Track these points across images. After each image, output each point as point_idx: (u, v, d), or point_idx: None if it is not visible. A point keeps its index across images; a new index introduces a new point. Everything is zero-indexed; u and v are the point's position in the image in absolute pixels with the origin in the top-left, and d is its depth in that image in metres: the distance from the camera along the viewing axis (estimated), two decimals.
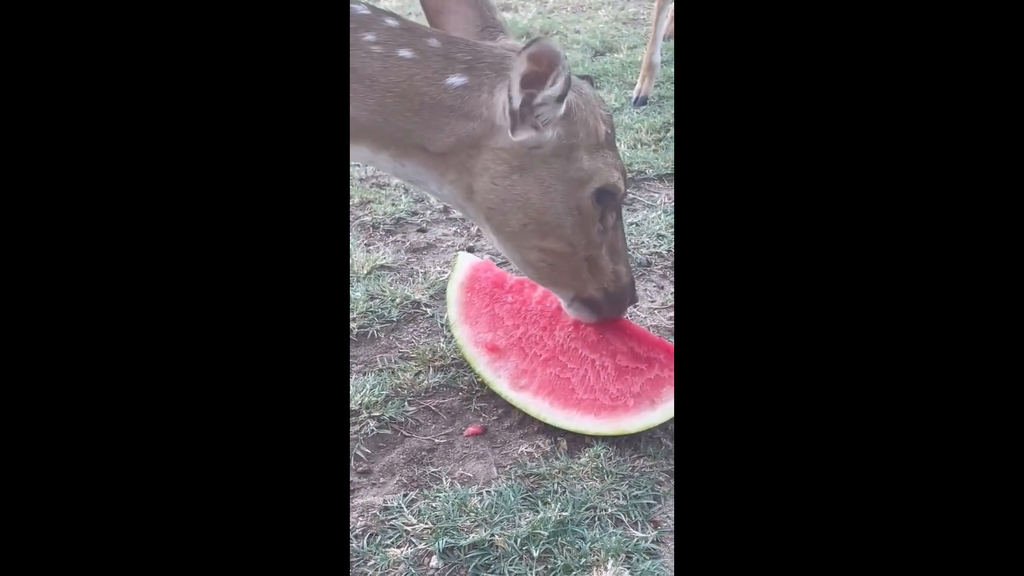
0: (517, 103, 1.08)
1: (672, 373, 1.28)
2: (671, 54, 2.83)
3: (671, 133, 2.27)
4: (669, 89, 2.56)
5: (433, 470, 1.20)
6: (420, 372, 1.40)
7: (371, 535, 1.09)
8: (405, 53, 1.11)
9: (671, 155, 2.13)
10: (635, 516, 1.11)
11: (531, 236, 1.16)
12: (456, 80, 1.11)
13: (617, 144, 2.22)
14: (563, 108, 1.11)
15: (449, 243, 1.82)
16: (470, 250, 1.79)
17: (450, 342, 1.46)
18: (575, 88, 1.14)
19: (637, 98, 2.47)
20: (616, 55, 2.87)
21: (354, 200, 1.99)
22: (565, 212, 1.15)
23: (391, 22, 1.14)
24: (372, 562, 1.05)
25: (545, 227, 1.16)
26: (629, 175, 2.07)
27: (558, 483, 1.16)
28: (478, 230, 1.82)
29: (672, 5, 2.88)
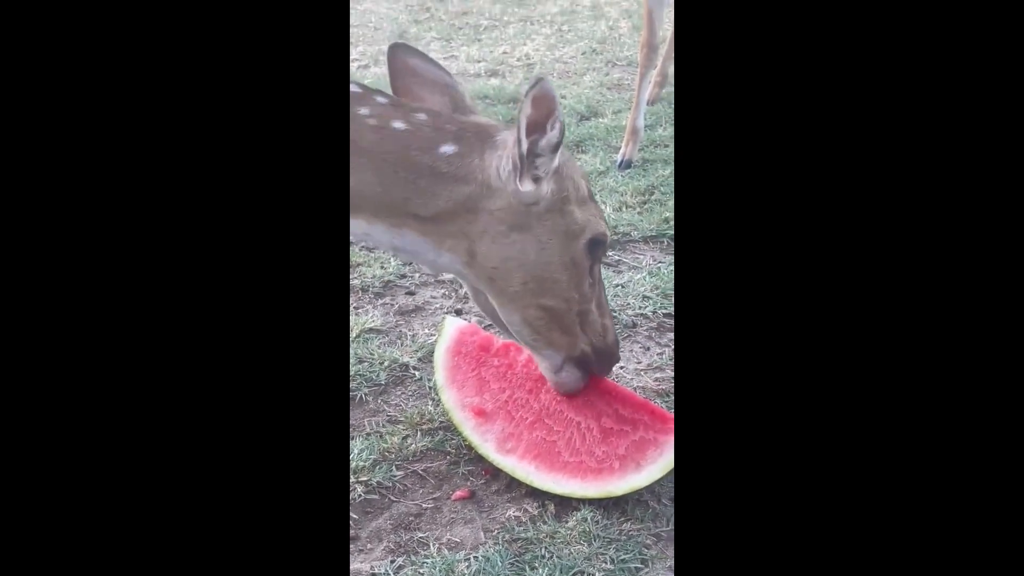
0: (525, 147, 1.13)
1: (656, 435, 1.30)
2: (655, 118, 2.91)
3: (655, 196, 2.32)
4: (653, 152, 2.62)
5: (421, 535, 1.20)
6: (408, 436, 1.40)
7: None
8: (399, 125, 1.16)
9: (656, 217, 2.17)
10: None
11: (531, 294, 1.19)
12: (448, 148, 1.16)
13: (603, 206, 2.27)
14: (557, 161, 1.15)
15: (437, 305, 1.84)
16: (457, 312, 1.81)
17: (438, 405, 1.47)
18: (561, 151, 1.19)
19: (622, 161, 2.53)
20: (601, 119, 2.94)
21: None
22: (562, 266, 1.19)
23: (382, 99, 1.19)
24: None
25: (544, 283, 1.19)
26: (615, 237, 2.11)
27: (546, 548, 1.16)
28: (466, 292, 1.85)
29: (654, 71, 2.97)
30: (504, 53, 3.83)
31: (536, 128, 1.12)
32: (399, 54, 1.30)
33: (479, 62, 3.70)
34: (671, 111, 2.99)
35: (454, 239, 1.18)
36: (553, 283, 1.19)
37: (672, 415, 1.33)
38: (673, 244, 2.07)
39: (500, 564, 1.13)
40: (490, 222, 1.16)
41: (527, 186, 1.15)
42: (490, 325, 1.69)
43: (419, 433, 1.41)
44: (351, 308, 1.82)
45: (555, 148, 1.14)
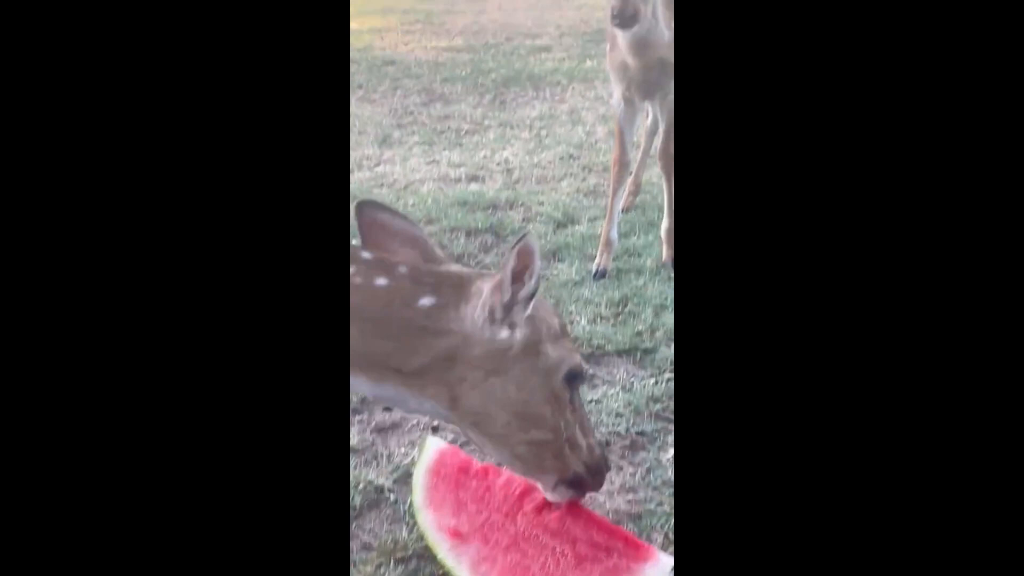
0: (507, 297, 1.18)
1: (630, 562, 1.31)
2: (629, 226, 3.00)
3: (628, 307, 2.38)
4: (627, 262, 2.70)
5: None
6: (381, 564, 1.40)
7: None
8: (381, 281, 1.22)
9: (629, 330, 2.23)
10: None
11: (517, 432, 1.24)
12: (427, 301, 1.22)
13: (577, 318, 2.32)
14: (530, 309, 1.21)
15: (414, 422, 1.86)
16: (434, 430, 1.83)
17: (412, 531, 1.48)
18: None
19: (596, 271, 2.60)
20: (577, 227, 3.03)
21: None
22: (543, 402, 1.24)
23: (366, 255, 1.25)
24: None
25: (528, 420, 1.23)
26: (588, 350, 2.15)
27: None
28: None
29: (630, 179, 3.08)
30: (484, 158, 3.95)
31: (516, 279, 1.18)
32: (366, 211, 1.36)
33: (460, 166, 3.81)
34: (644, 219, 3.09)
35: (435, 387, 1.23)
36: (536, 418, 1.24)
37: (645, 543, 1.35)
38: (649, 357, 2.12)
39: None
40: (468, 369, 1.21)
41: (502, 333, 1.20)
42: (467, 443, 1.71)
43: (393, 561, 1.41)
44: None
45: (530, 298, 1.20)
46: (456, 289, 1.24)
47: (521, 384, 1.22)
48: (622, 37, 2.27)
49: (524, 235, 1.17)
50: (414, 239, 1.35)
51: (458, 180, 3.65)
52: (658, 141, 2.69)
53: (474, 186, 3.56)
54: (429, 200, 3.32)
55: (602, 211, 3.14)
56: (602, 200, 3.35)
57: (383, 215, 1.37)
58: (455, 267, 1.34)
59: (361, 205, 1.37)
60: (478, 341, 1.21)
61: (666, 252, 2.66)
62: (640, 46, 2.30)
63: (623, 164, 2.63)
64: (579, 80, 5.35)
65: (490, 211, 3.20)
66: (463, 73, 5.56)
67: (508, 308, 1.20)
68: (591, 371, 2.06)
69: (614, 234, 2.65)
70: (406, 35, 6.85)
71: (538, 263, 1.18)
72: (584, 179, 3.65)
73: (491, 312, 1.20)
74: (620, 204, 2.74)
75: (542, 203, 3.29)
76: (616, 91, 2.54)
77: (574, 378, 1.27)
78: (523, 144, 4.14)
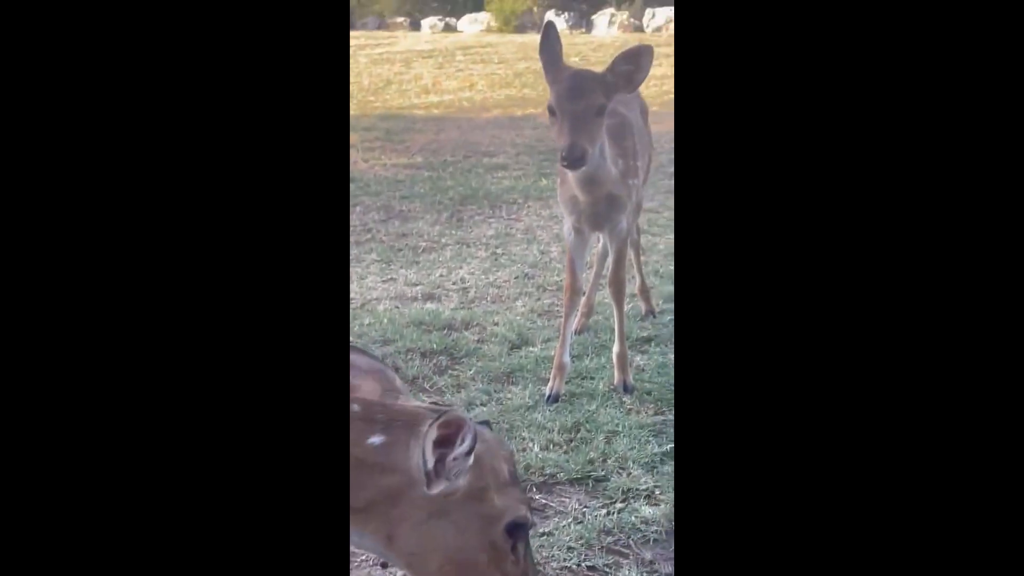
0: (431, 464, 1.20)
1: None
2: (582, 348, 3.06)
3: (581, 433, 2.40)
4: (580, 385, 2.74)
5: None
6: None
7: None
8: None
9: (582, 457, 2.24)
10: None
11: None
12: (376, 439, 1.23)
13: (530, 445, 2.34)
14: (471, 461, 1.22)
15: (364, 556, 1.83)
16: (384, 566, 1.80)
17: None
18: (479, 438, 1.27)
19: (549, 396, 2.63)
20: (531, 348, 3.08)
21: None
22: (480, 550, 1.23)
23: None
24: None
25: (462, 567, 1.22)
26: (540, 479, 2.16)
27: None
28: None
29: (583, 300, 3.16)
30: (441, 276, 4.02)
31: (445, 444, 1.20)
32: None
33: (416, 285, 3.87)
34: (597, 340, 3.15)
35: (376, 523, 1.22)
36: (471, 566, 1.23)
37: None
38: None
39: None
40: (410, 509, 1.21)
41: (436, 488, 1.21)
42: None
43: None
44: None
45: (467, 454, 1.22)
46: (407, 427, 1.25)
47: (460, 529, 1.22)
48: (571, 175, 2.39)
49: (445, 412, 1.19)
50: (377, 372, 1.37)
51: (415, 299, 3.70)
52: (608, 267, 2.78)
53: (430, 305, 3.61)
54: (385, 320, 3.35)
55: (556, 332, 3.20)
56: (556, 320, 3.42)
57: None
58: (410, 403, 1.35)
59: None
60: (421, 485, 1.22)
61: (617, 375, 2.72)
62: (588, 183, 2.42)
63: (575, 291, 2.71)
64: (535, 198, 5.52)
65: (445, 331, 3.24)
66: (422, 190, 5.71)
67: (442, 466, 1.22)
68: (544, 500, 2.07)
69: (566, 358, 2.70)
70: (366, 152, 7.03)
71: (468, 425, 1.20)
72: (539, 299, 3.73)
73: (426, 474, 1.21)
74: (572, 328, 2.81)
75: (496, 323, 3.34)
76: (567, 222, 2.65)
77: (517, 529, 1.26)
78: (479, 263, 4.23)
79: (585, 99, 2.22)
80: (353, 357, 1.39)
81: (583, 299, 3.17)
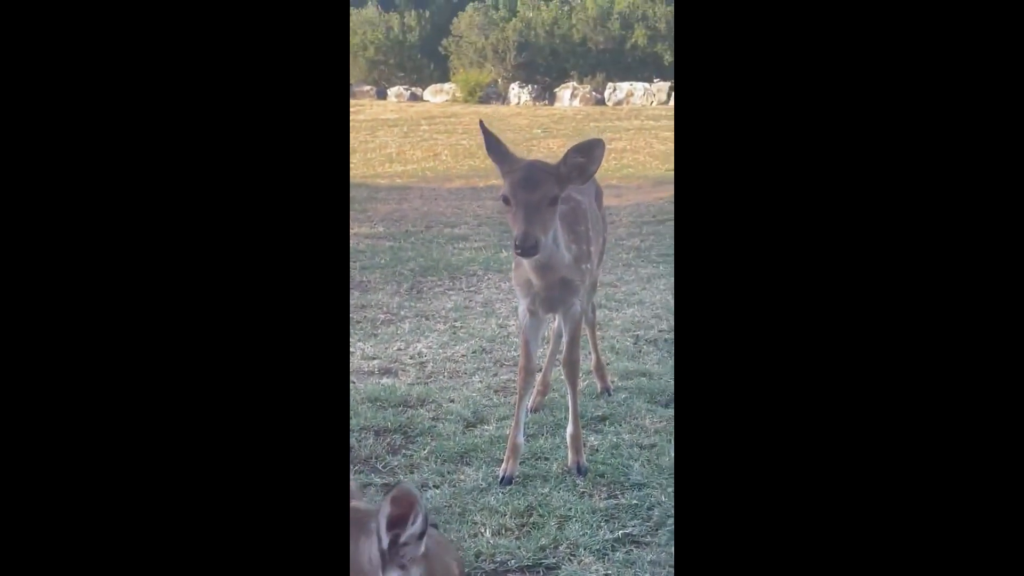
0: (386, 543, 1.20)
1: None
2: (537, 427, 3.07)
3: (533, 518, 2.40)
4: (534, 467, 2.74)
5: None
6: None
7: None
8: None
9: (533, 544, 2.24)
10: None
11: None
12: None
13: (482, 530, 2.32)
14: (423, 547, 1.23)
15: None
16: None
17: None
18: (429, 534, 1.28)
19: (503, 477, 2.63)
20: (486, 427, 3.08)
21: None
22: None
23: None
24: None
25: None
26: (492, 566, 2.15)
27: None
28: None
29: (538, 377, 3.19)
30: (399, 350, 4.02)
31: (397, 523, 1.21)
32: None
33: (373, 359, 3.86)
34: (552, 419, 3.17)
35: None
36: None
37: None
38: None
39: None
40: None
41: (392, 574, 1.22)
42: None
43: None
44: None
45: (419, 537, 1.23)
46: (356, 526, 1.26)
47: None
48: (525, 261, 2.45)
49: (398, 482, 1.21)
50: None
51: (371, 373, 3.69)
52: (563, 348, 2.82)
53: (386, 380, 3.60)
54: None
55: (511, 409, 3.21)
56: (512, 397, 3.43)
57: None
58: (361, 504, 1.36)
59: None
60: None
61: (571, 457, 2.73)
62: (542, 269, 2.48)
63: (529, 371, 2.73)
64: (494, 270, 5.58)
65: (400, 408, 3.24)
66: (382, 261, 5.74)
67: (395, 549, 1.22)
68: None
69: (520, 438, 2.71)
70: None
71: (420, 502, 1.22)
72: (496, 374, 3.74)
73: (380, 553, 1.22)
74: (527, 407, 2.83)
75: (452, 400, 3.34)
76: (521, 304, 2.69)
77: None
78: (438, 336, 4.24)
79: (539, 190, 2.29)
80: None
81: (539, 377, 3.20)
